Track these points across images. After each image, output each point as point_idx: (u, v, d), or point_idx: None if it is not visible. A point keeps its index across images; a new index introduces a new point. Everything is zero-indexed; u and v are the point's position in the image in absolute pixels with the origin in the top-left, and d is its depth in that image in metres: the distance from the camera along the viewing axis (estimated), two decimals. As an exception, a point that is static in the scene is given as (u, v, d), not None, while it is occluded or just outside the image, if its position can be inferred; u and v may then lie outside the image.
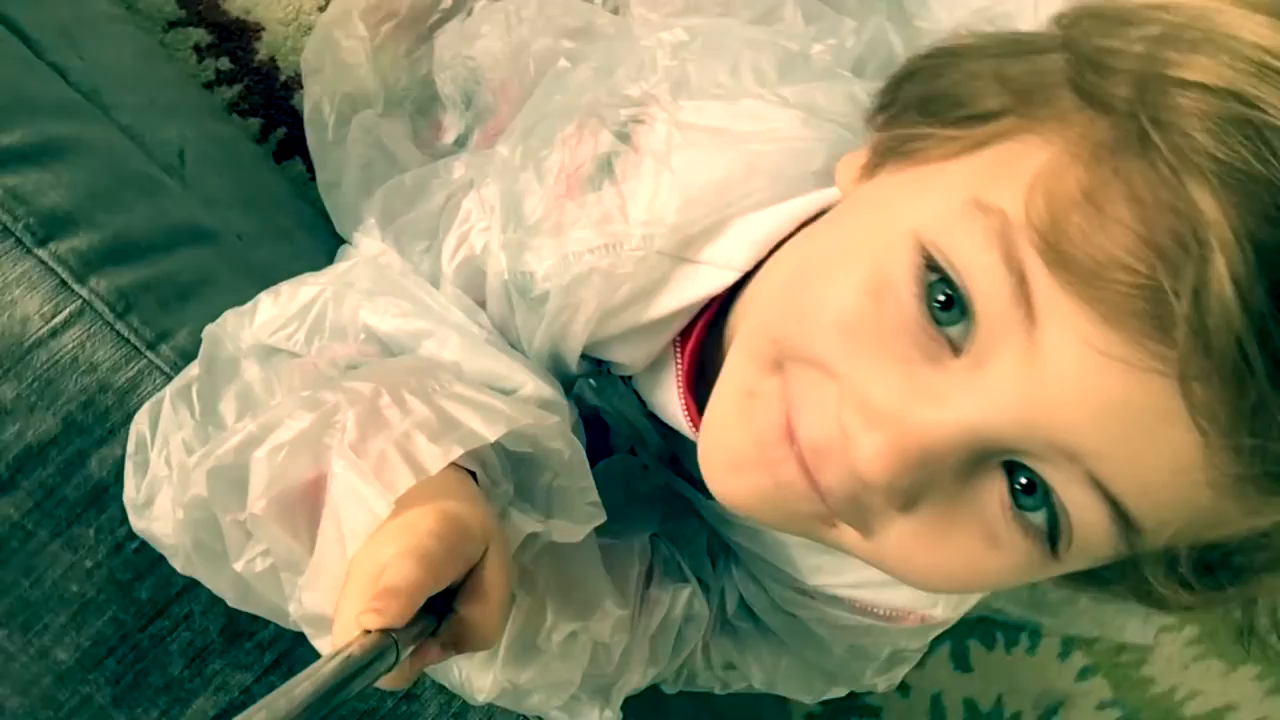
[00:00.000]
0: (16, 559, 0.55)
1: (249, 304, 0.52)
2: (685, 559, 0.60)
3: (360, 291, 0.51)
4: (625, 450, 0.61)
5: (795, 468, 0.40)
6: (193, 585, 0.56)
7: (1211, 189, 0.33)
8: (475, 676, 0.48)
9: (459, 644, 0.40)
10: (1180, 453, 0.35)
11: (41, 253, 0.55)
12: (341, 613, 0.37)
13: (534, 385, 0.49)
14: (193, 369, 0.50)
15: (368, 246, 0.60)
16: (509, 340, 0.54)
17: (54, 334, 0.54)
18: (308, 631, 0.42)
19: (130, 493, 0.49)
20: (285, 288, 0.52)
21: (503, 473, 0.46)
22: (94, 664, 0.56)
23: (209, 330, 0.52)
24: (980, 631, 1.05)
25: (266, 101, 0.94)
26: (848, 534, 0.42)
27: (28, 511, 0.54)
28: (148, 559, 0.55)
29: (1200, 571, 0.41)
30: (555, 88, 0.57)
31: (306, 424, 0.42)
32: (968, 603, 0.58)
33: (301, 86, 0.91)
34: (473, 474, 0.45)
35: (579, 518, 0.47)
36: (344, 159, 0.85)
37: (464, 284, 0.55)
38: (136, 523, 0.49)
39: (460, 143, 0.85)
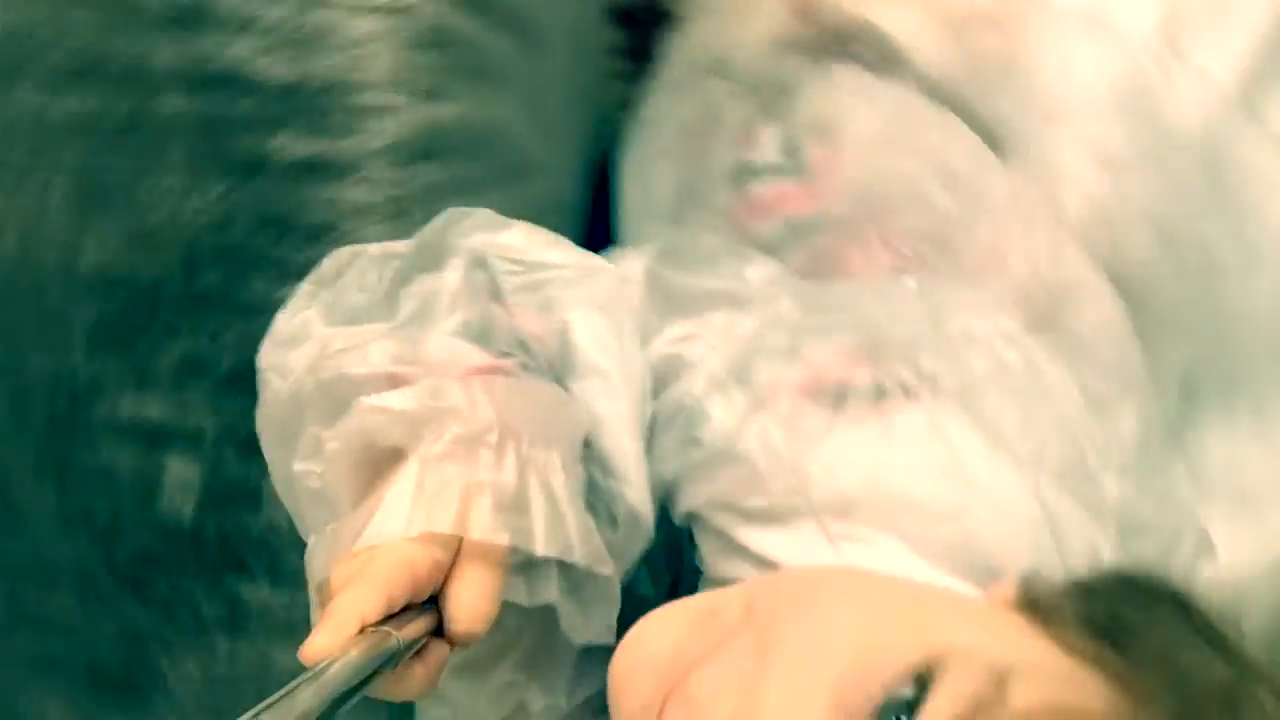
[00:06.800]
0: None
1: (502, 218, 0.51)
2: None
3: (585, 292, 0.50)
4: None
5: None
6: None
7: None
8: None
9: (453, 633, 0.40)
10: None
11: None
12: (340, 604, 0.37)
13: (635, 496, 0.47)
14: (403, 245, 0.49)
15: (629, 265, 0.58)
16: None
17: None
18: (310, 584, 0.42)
19: (283, 316, 0.48)
20: (543, 233, 0.51)
21: None
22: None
23: (450, 211, 0.51)
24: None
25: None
26: None
27: None
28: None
29: None
30: (876, 299, 0.56)
31: (417, 406, 0.42)
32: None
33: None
34: None
35: (595, 627, 0.46)
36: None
37: (653, 373, 0.53)
38: (266, 350, 0.47)
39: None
